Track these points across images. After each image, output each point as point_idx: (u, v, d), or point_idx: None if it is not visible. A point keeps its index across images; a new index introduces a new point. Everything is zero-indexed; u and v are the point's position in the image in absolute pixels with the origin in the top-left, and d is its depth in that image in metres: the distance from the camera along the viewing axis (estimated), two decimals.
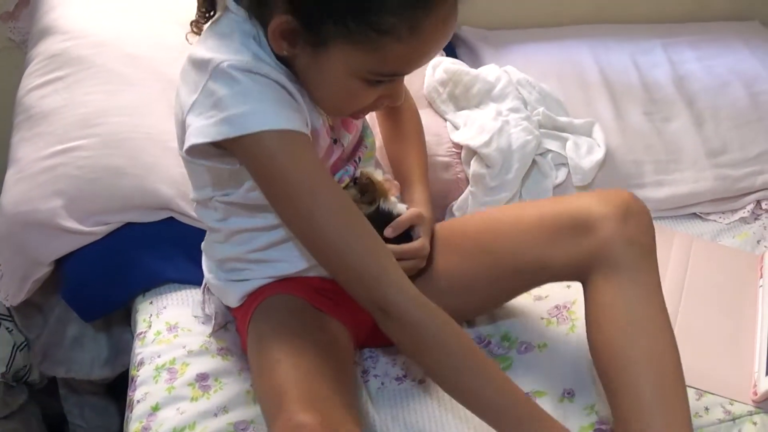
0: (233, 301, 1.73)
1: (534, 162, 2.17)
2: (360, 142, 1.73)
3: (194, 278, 1.91)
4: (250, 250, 1.66)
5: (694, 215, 2.32)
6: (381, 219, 1.65)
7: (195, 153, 1.43)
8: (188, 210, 1.97)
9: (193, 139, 1.38)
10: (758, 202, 2.36)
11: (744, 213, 2.33)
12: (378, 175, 1.70)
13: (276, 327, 1.60)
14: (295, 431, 1.35)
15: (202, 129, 1.37)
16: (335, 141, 1.61)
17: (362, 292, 1.44)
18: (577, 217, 1.59)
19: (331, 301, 1.68)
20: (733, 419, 1.72)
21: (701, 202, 2.32)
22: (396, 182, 1.76)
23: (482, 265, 1.72)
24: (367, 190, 1.65)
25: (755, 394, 1.77)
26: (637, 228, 1.57)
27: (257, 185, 1.45)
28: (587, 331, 1.61)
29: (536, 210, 1.69)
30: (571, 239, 1.59)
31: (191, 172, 1.62)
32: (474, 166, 2.12)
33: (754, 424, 1.73)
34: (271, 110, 1.37)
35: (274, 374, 1.50)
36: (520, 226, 1.68)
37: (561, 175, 2.22)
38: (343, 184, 1.67)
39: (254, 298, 1.68)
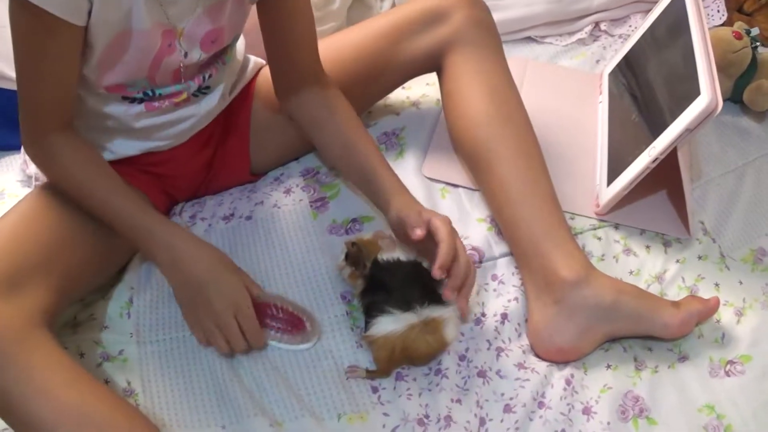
0: None
1: None
2: (216, 58, 1.63)
3: (16, 143, 1.82)
4: None
5: (529, 39, 2.30)
6: (386, 273, 1.51)
7: None
8: (6, 70, 1.89)
9: None
10: (597, 23, 2.35)
11: (582, 35, 2.32)
12: (366, 235, 1.59)
13: (50, 193, 1.55)
14: None
15: None
16: (186, 54, 1.52)
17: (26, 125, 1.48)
18: (432, 8, 1.74)
19: (144, 173, 1.67)
20: (576, 234, 1.73)
21: (536, 25, 2.30)
22: (387, 233, 1.59)
23: (348, 77, 1.75)
24: (358, 257, 1.53)
25: (597, 206, 1.78)
26: (483, 13, 1.76)
27: None
28: (445, 105, 1.76)
29: (390, 15, 1.80)
30: (428, 29, 1.74)
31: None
32: None
33: (599, 239, 1.75)
34: None
35: None
36: (377, 33, 1.76)
37: (386, 5, 2.19)
38: (180, 98, 1.59)
39: None
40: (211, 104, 1.67)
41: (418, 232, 1.44)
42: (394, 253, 1.52)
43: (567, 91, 2.08)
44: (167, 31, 1.46)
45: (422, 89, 2.02)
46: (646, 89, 1.85)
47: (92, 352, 1.53)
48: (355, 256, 1.53)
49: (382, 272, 1.50)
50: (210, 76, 1.62)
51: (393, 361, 1.49)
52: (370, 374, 1.51)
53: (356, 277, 1.54)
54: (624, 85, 1.97)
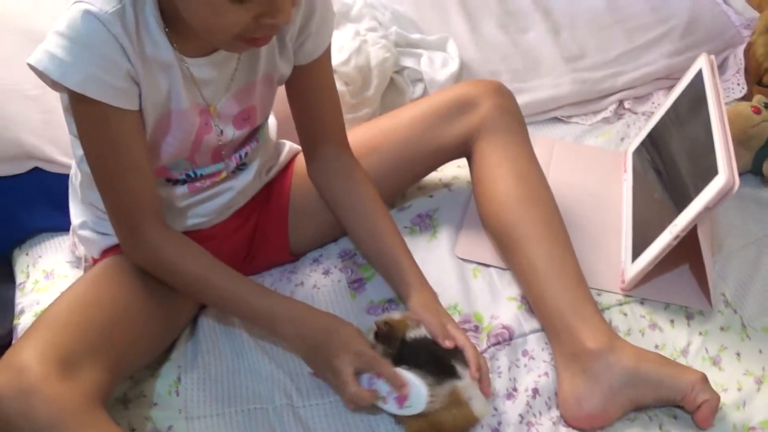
0: (95, 252, 1.74)
1: (390, 79, 2.21)
2: (250, 137, 1.72)
3: (65, 225, 1.91)
4: None
5: (556, 119, 2.39)
6: (412, 350, 1.59)
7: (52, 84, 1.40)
8: (55, 155, 1.97)
9: (32, 58, 1.35)
10: (621, 102, 2.43)
11: (607, 113, 2.40)
12: (395, 315, 1.66)
13: (103, 276, 1.61)
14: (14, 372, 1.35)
15: (37, 51, 1.35)
16: (222, 132, 1.60)
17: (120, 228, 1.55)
18: (461, 98, 1.83)
19: None
20: (602, 310, 1.77)
21: (562, 106, 2.38)
22: (415, 316, 1.65)
23: (382, 163, 1.84)
24: (390, 336, 1.60)
25: (623, 282, 1.84)
26: (509, 101, 1.85)
27: None
28: (475, 190, 1.85)
29: (422, 104, 1.89)
30: (458, 118, 1.82)
31: (65, 114, 1.57)
32: None
33: (625, 314, 1.80)
34: (93, 74, 1.34)
35: (51, 306, 1.54)
36: (409, 121, 1.86)
37: (418, 90, 2.27)
38: (220, 177, 1.67)
39: (113, 253, 1.68)
40: (246, 179, 1.74)
41: (448, 344, 1.58)
42: (420, 331, 1.60)
43: (593, 170, 2.14)
44: (203, 110, 1.54)
45: (454, 171, 2.07)
46: (669, 165, 1.91)
47: (143, 428, 1.58)
48: (386, 335, 1.60)
49: (409, 350, 1.58)
50: (246, 154, 1.71)
51: None
52: None
53: (387, 355, 1.59)
54: (648, 161, 2.03)
